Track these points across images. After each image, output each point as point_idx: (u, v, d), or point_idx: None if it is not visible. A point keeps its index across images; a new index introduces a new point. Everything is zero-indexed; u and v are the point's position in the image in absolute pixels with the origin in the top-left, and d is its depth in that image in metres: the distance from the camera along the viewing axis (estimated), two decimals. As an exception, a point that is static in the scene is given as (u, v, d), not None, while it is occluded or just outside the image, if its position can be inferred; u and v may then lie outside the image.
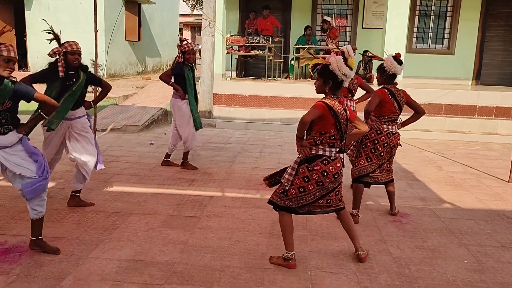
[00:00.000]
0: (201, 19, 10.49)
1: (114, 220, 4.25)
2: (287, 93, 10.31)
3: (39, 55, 13.39)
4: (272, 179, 3.66)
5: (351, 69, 3.42)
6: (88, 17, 12.56)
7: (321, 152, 3.32)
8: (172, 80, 5.95)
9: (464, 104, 9.80)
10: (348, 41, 12.62)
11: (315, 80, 3.46)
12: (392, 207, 4.64)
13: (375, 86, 10.45)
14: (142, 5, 15.52)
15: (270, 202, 3.52)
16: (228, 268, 3.37)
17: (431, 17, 12.50)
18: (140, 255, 3.54)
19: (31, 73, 4.46)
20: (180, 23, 22.19)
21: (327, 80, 3.33)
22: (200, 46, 10.13)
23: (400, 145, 4.64)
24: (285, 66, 12.41)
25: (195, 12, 36.71)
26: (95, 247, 3.65)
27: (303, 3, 12.68)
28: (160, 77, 5.96)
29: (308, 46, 11.39)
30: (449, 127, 9.41)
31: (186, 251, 3.64)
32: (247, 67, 12.50)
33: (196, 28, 33.91)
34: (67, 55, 4.41)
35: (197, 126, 6.08)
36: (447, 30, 12.46)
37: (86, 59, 13.04)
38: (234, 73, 11.99)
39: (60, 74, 4.35)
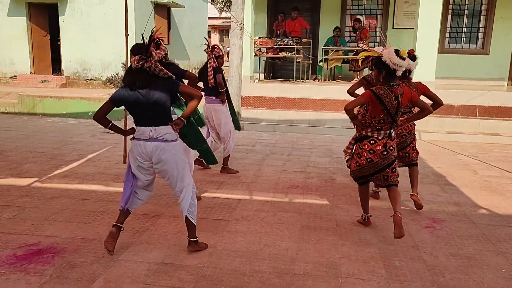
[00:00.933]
0: (229, 22, 10.53)
1: (144, 222, 4.29)
2: (316, 95, 10.22)
3: (72, 60, 13.74)
4: None
5: (404, 59, 3.75)
6: (119, 22, 12.77)
7: (369, 134, 3.93)
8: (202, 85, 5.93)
9: (500, 106, 9.48)
10: (378, 42, 12.42)
11: (371, 72, 4.14)
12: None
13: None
14: (172, 9, 15.71)
15: (352, 177, 4.28)
16: (257, 273, 3.34)
17: (465, 16, 12.17)
18: (170, 258, 3.55)
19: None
20: (208, 26, 22.36)
21: (380, 70, 3.80)
22: (228, 49, 10.15)
23: None
24: (313, 68, 12.32)
25: (223, 14, 36.93)
26: (125, 249, 3.68)
27: (332, 4, 12.56)
28: (217, 82, 5.75)
29: (337, 48, 11.27)
30: (484, 129, 9.11)
31: (215, 254, 3.63)
32: (275, 69, 12.47)
33: (224, 31, 34.13)
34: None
35: (238, 127, 6.28)
36: (481, 29, 12.10)
37: (117, 62, 13.42)
38: (262, 75, 11.98)
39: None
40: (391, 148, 3.93)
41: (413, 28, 10.65)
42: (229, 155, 6.25)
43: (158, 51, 3.58)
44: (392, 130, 3.92)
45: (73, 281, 3.16)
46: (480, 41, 12.15)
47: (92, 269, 3.34)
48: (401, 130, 4.73)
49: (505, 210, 4.90)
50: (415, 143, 4.93)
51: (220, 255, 3.62)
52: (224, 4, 35.48)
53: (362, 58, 4.19)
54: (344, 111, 3.96)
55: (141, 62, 3.30)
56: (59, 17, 13.61)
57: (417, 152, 4.94)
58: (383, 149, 3.90)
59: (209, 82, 5.73)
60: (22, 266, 3.34)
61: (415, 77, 9.95)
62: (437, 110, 4.75)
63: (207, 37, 5.71)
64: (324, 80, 11.53)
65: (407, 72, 4.69)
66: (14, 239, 3.81)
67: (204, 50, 5.85)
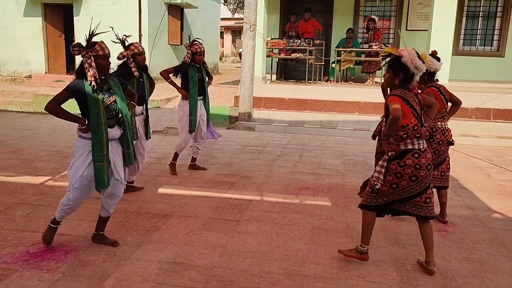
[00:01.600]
0: (242, 23, 10.55)
1: (155, 222, 4.31)
2: (328, 96, 10.19)
3: (86, 59, 13.86)
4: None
5: (424, 62, 3.36)
6: (132, 22, 12.89)
7: (410, 146, 3.29)
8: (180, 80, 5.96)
9: (515, 109, 9.35)
10: (392, 44, 12.32)
11: (385, 72, 3.50)
12: None
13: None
14: (185, 10, 15.79)
15: (361, 206, 3.53)
16: (267, 274, 3.34)
17: (480, 18, 12.05)
18: (180, 258, 3.56)
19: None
20: (221, 26, 22.43)
21: (397, 72, 3.33)
22: (240, 50, 10.17)
23: None
24: (325, 69, 12.28)
25: (236, 15, 37.02)
26: (136, 248, 3.70)
27: (345, 5, 12.53)
28: (160, 73, 5.89)
29: (349, 49, 11.22)
30: (499, 132, 8.99)
31: (226, 255, 3.64)
32: (287, 70, 12.46)
33: (236, 32, 34.20)
34: (135, 57, 4.87)
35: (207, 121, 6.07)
36: (496, 32, 11.98)
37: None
38: (274, 76, 11.97)
39: (135, 74, 4.81)
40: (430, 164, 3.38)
41: (426, 30, 10.57)
42: (177, 153, 6.12)
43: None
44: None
45: (85, 279, 3.19)
46: (495, 43, 12.02)
47: (104, 267, 3.36)
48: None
49: (519, 214, 4.83)
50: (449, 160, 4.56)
51: (230, 256, 3.62)
52: (237, 5, 35.56)
53: (383, 56, 3.52)
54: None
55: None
56: (74, 18, 13.77)
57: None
58: (428, 163, 3.32)
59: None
60: (35, 263, 3.38)
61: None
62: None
63: (190, 37, 5.83)
64: (337, 82, 11.49)
65: (434, 74, 4.51)
66: (28, 237, 3.86)
67: (184, 45, 5.88)
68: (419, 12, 12.16)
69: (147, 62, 11.18)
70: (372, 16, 11.31)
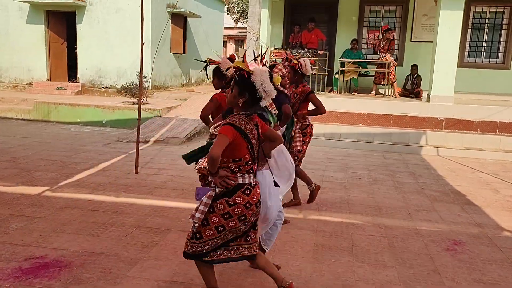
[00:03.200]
0: (245, 32, 10.48)
1: (153, 236, 4.17)
2: (331, 107, 10.03)
3: (88, 67, 13.81)
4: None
5: (275, 88, 2.88)
6: (135, 30, 12.82)
7: (240, 181, 2.79)
8: None
9: (522, 122, 9.20)
10: (396, 55, 12.25)
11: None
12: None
13: (423, 102, 10.06)
14: (188, 18, 15.74)
15: (185, 254, 2.91)
16: (269, 295, 3.18)
17: (485, 30, 11.96)
18: (178, 276, 3.41)
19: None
20: (223, 35, 22.39)
21: (244, 91, 2.76)
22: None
23: None
24: (329, 80, 12.17)
25: (239, 25, 37.07)
26: (133, 265, 3.55)
27: (349, 16, 12.46)
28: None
29: (353, 60, 11.12)
30: (505, 146, 8.84)
31: (226, 273, 3.48)
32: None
33: (239, 41, 34.20)
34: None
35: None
36: (502, 44, 11.87)
37: (132, 70, 13.43)
38: (277, 86, 11.84)
39: None
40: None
41: (431, 42, 10.48)
42: None
43: None
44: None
45: (78, 298, 3.05)
46: (500, 55, 11.92)
47: (99, 286, 3.21)
48: None
49: (530, 233, 4.67)
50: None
51: (230, 275, 3.47)
52: (240, 14, 35.64)
53: (234, 69, 2.81)
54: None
55: None
56: (77, 25, 13.71)
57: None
58: (258, 199, 2.89)
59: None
60: (27, 281, 3.24)
61: (434, 91, 9.78)
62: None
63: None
64: (340, 93, 11.38)
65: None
66: (21, 251, 3.71)
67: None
68: (424, 24, 12.08)
69: (149, 71, 10.95)
70: (389, 26, 11.14)
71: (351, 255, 3.92)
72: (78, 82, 13.90)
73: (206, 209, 2.78)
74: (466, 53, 12.00)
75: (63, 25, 14.34)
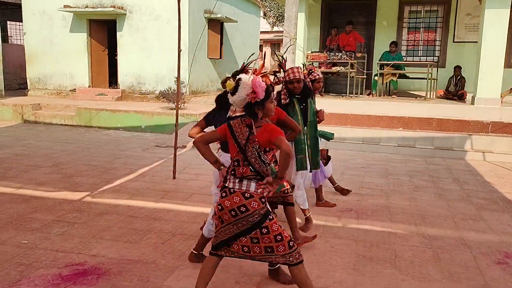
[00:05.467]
0: (281, 36, 10.42)
1: (191, 244, 4.12)
2: (370, 110, 9.83)
3: (128, 74, 14.11)
4: None
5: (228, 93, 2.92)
6: (173, 37, 12.99)
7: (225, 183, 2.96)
8: None
9: None
10: (438, 56, 11.85)
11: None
12: None
13: (467, 105, 9.66)
14: (224, 24, 15.83)
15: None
16: (309, 308, 3.07)
17: (534, 28, 11.35)
18: (217, 285, 3.36)
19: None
20: (260, 39, 22.41)
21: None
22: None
23: None
24: (367, 83, 11.92)
25: (275, 29, 37.03)
26: (170, 274, 3.53)
27: (388, 17, 12.16)
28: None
29: (392, 62, 10.83)
30: (558, 150, 8.34)
31: (264, 284, 3.40)
32: (328, 84, 12.17)
33: (275, 45, 34.17)
34: (287, 84, 4.30)
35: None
36: (552, 42, 11.23)
37: (170, 76, 13.61)
38: (314, 90, 11.70)
39: (282, 101, 4.26)
40: (245, 208, 2.91)
41: (475, 42, 10.07)
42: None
43: None
44: None
45: (116, 307, 3.04)
46: (550, 55, 11.28)
47: (136, 294, 3.21)
48: None
49: None
50: None
51: (269, 285, 3.38)
52: (277, 18, 35.60)
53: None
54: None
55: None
56: (117, 33, 14.05)
57: None
58: (232, 207, 2.90)
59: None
60: None
61: (479, 93, 9.37)
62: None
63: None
64: (379, 96, 11.11)
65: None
66: (61, 257, 3.77)
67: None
68: (468, 23, 11.62)
69: (186, 76, 11.07)
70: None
71: (393, 267, 3.75)
72: (118, 88, 14.23)
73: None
74: (514, 53, 11.44)
75: (104, 33, 14.72)
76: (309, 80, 4.85)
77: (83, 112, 11.61)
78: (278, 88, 4.26)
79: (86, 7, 13.96)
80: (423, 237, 4.45)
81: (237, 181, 2.88)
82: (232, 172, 2.91)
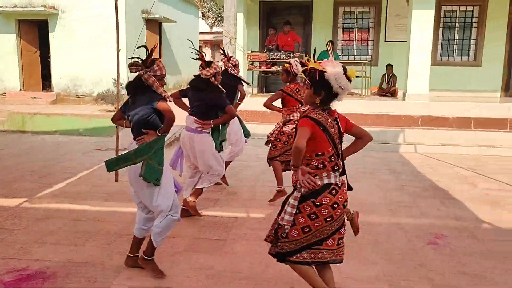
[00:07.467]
0: (220, 37, 10.50)
1: (138, 243, 4.11)
2: (310, 108, 10.14)
3: (62, 76, 13.59)
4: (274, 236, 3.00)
5: (351, 81, 2.87)
6: (109, 37, 12.69)
7: (326, 181, 2.77)
8: None
9: (495, 117, 9.43)
10: (371, 55, 12.44)
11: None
12: None
13: (399, 101, 10.24)
14: (163, 24, 15.67)
15: (272, 254, 2.96)
16: (258, 297, 3.19)
17: (456, 28, 12.26)
18: (166, 282, 3.38)
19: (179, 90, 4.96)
20: (199, 40, 22.36)
21: (319, 90, 2.81)
22: (220, 63, 10.07)
23: None
24: (306, 82, 12.26)
25: (214, 29, 37.05)
26: (118, 274, 3.51)
27: (323, 18, 12.60)
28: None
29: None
30: (480, 141, 9.05)
31: (213, 277, 3.47)
32: (268, 83, 12.41)
33: (215, 45, 34.19)
34: (216, 76, 4.65)
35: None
36: (473, 42, 12.19)
37: (108, 78, 13.27)
38: (255, 90, 11.90)
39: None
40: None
41: (405, 41, 10.68)
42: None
43: (207, 69, 4.51)
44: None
45: (64, 309, 2.99)
46: (472, 53, 12.23)
47: (84, 296, 3.16)
48: None
49: (508, 224, 4.80)
50: None
51: (218, 277, 3.46)
52: (215, 19, 35.62)
53: (304, 71, 2.95)
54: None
55: (139, 71, 3.30)
56: (49, 34, 13.50)
57: None
58: (345, 199, 2.85)
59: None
60: (9, 294, 3.16)
61: (409, 89, 9.97)
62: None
63: (197, 50, 5.41)
64: (318, 94, 11.47)
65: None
66: (2, 264, 3.62)
67: (221, 60, 6.09)
68: (397, 24, 12.30)
69: (125, 77, 10.94)
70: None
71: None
72: (53, 91, 13.67)
73: (294, 211, 2.78)
74: (439, 52, 12.27)
75: (35, 34, 14.10)
76: (231, 65, 6.07)
77: (15, 116, 11.04)
78: None
79: (15, 6, 13.30)
80: (363, 224, 4.64)
81: (338, 174, 2.83)
82: (335, 166, 2.81)
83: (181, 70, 17.89)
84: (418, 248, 4.10)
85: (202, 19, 33.16)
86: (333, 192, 2.76)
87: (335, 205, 2.76)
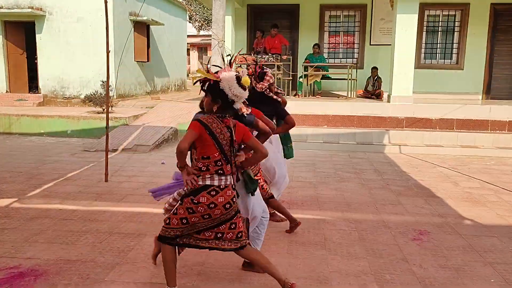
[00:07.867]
0: (208, 40, 10.59)
1: (129, 241, 4.18)
2: (297, 110, 10.25)
3: (50, 78, 13.52)
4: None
5: (245, 89, 3.02)
6: (97, 39, 12.69)
7: (208, 182, 2.95)
8: None
9: (476, 119, 9.69)
10: (356, 58, 12.64)
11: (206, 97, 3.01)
12: None
13: (384, 103, 10.43)
14: (151, 27, 15.68)
15: (159, 238, 3.15)
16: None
17: (439, 32, 12.53)
18: (157, 278, 3.45)
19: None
20: (187, 43, 22.40)
21: (216, 98, 2.99)
22: (209, 66, 10.14)
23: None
24: (293, 84, 12.43)
25: (202, 32, 37.12)
26: (110, 270, 3.57)
27: (310, 21, 12.77)
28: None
29: (316, 64, 11.41)
30: (462, 142, 9.29)
31: (204, 273, 3.55)
32: (256, 86, 12.50)
33: (202, 49, 34.25)
34: (271, 87, 4.48)
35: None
36: (455, 45, 12.47)
37: (96, 80, 13.24)
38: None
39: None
40: (234, 199, 3.06)
41: (389, 45, 10.89)
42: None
43: (261, 82, 4.31)
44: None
45: (58, 304, 3.04)
46: (454, 56, 12.50)
47: (77, 291, 3.22)
48: None
49: (488, 220, 4.97)
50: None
51: (208, 273, 3.54)
52: (203, 22, 35.68)
53: (199, 81, 3.09)
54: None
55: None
56: (36, 35, 13.43)
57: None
58: (226, 201, 2.99)
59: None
60: (2, 290, 3.21)
61: (394, 91, 10.18)
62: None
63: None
64: (305, 96, 11.64)
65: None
66: (-6, 262, 3.66)
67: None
68: (382, 27, 12.53)
69: (113, 79, 10.95)
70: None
71: (324, 249, 4.07)
72: (40, 93, 13.59)
73: (175, 203, 3.15)
74: (422, 55, 12.53)
75: (22, 36, 14.00)
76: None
77: (1, 118, 10.98)
78: None
79: (1, 7, 13.22)
80: (349, 222, 4.83)
81: (223, 178, 2.99)
82: (220, 171, 2.96)
83: (169, 73, 17.92)
84: (402, 244, 4.24)
85: (190, 22, 33.21)
86: (212, 193, 2.96)
87: (212, 205, 2.96)
